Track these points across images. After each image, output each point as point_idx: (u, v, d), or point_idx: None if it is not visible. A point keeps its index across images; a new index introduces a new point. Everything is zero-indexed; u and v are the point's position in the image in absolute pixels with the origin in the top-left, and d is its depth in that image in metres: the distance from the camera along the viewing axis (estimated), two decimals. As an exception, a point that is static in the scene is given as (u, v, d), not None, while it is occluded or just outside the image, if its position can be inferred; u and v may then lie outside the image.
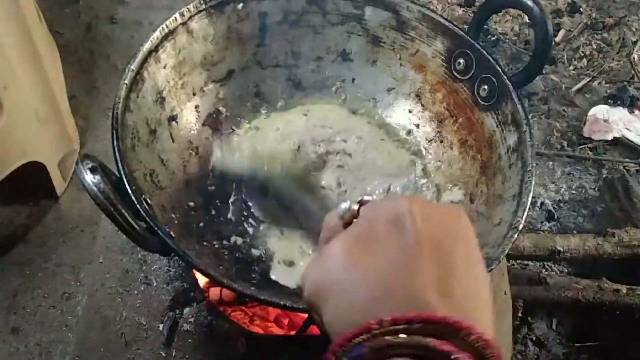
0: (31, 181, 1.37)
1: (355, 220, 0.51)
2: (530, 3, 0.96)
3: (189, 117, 1.04)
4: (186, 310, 1.00)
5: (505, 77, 0.98)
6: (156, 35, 0.95)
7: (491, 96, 1.00)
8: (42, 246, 1.35)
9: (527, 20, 1.86)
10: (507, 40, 1.75)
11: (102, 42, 1.75)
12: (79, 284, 1.28)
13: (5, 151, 1.24)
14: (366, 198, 0.52)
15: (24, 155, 1.29)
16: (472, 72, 1.03)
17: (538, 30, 0.96)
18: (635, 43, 1.83)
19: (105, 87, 1.62)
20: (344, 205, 0.53)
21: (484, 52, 1.01)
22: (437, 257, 0.43)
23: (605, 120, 1.59)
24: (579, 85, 1.70)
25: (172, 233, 0.80)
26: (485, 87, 1.01)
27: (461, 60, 1.04)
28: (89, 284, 1.11)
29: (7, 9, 1.18)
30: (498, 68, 0.99)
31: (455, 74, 1.06)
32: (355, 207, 0.51)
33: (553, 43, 1.66)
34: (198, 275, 1.04)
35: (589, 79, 1.72)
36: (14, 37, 1.21)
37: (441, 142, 1.09)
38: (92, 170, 0.75)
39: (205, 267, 0.79)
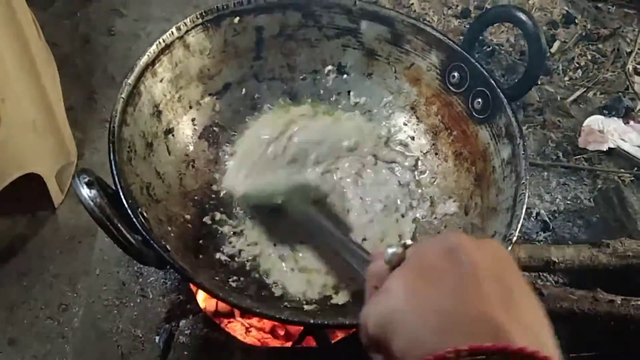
0: (29, 193, 1.37)
1: (404, 261, 0.52)
2: (524, 17, 0.96)
3: (186, 130, 1.05)
4: (182, 322, 1.00)
5: (499, 90, 0.99)
6: (153, 49, 0.96)
7: (485, 109, 1.01)
8: (39, 257, 1.35)
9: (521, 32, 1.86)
10: (503, 51, 1.76)
11: (99, 54, 1.76)
12: (75, 295, 1.28)
13: (3, 163, 1.24)
14: (409, 242, 0.54)
15: (22, 167, 1.29)
16: (467, 85, 1.04)
17: (532, 44, 0.97)
18: (629, 54, 1.83)
19: (102, 98, 1.63)
20: (391, 250, 0.53)
21: (478, 65, 1.02)
22: (496, 283, 0.45)
23: (600, 131, 1.59)
24: (574, 96, 1.71)
25: (167, 246, 0.81)
26: (480, 100, 1.02)
27: (455, 74, 1.05)
28: (85, 295, 1.12)
29: (5, 21, 1.19)
30: (492, 81, 1.00)
31: (450, 87, 1.07)
32: (401, 250, 0.53)
33: (547, 55, 1.67)
34: (194, 287, 1.04)
35: (584, 89, 1.73)
36: (11, 49, 1.22)
37: (436, 154, 1.10)
38: (89, 185, 0.75)
39: (201, 281, 0.80)
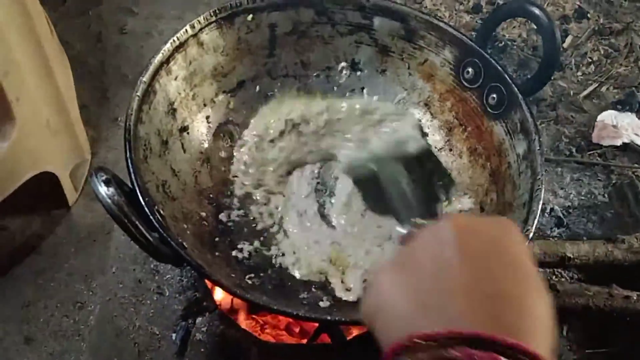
0: (43, 191, 1.38)
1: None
2: (537, 12, 0.96)
3: (200, 128, 1.05)
4: (198, 319, 1.01)
5: (514, 85, 0.98)
6: (167, 47, 0.96)
7: (500, 105, 1.01)
8: (54, 256, 1.35)
9: (536, 27, 1.85)
10: (515, 47, 1.76)
11: (112, 52, 1.76)
12: (91, 293, 1.28)
13: (18, 162, 1.25)
14: (421, 221, 0.56)
15: (36, 166, 1.30)
16: (481, 80, 1.04)
17: (546, 38, 0.96)
18: (643, 48, 1.83)
19: (115, 97, 1.63)
20: (403, 230, 0.57)
21: (493, 61, 1.02)
22: (475, 267, 0.44)
23: (614, 126, 1.59)
24: (587, 91, 1.70)
25: (184, 244, 0.81)
26: (494, 95, 1.02)
27: (470, 69, 1.05)
28: (101, 293, 1.13)
29: (19, 22, 1.19)
30: (506, 77, 1.00)
31: (464, 83, 1.06)
32: (414, 231, 0.55)
33: (561, 50, 1.67)
34: (210, 284, 1.05)
35: (597, 84, 1.72)
36: (25, 49, 1.22)
37: (450, 150, 1.10)
38: (106, 183, 0.76)
39: (218, 278, 0.80)
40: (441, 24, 1.06)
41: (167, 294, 1.04)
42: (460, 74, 1.07)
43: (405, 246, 0.51)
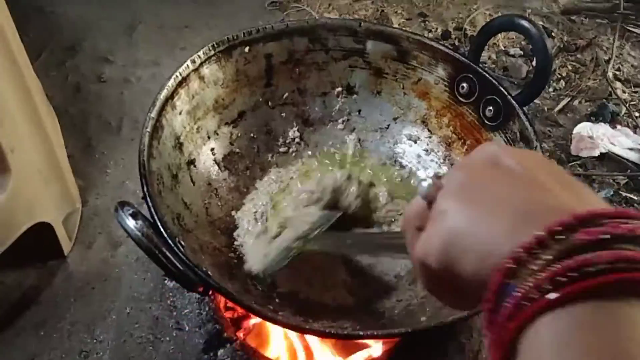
0: (36, 243, 1.36)
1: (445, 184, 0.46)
2: (527, 25, 1.00)
3: (206, 161, 1.06)
4: (220, 351, 1.00)
5: (509, 97, 1.01)
6: (171, 82, 0.97)
7: (497, 116, 1.03)
8: (54, 307, 1.33)
9: (503, 48, 1.92)
10: (487, 69, 1.80)
11: (92, 101, 1.76)
12: (95, 341, 1.26)
13: (16, 213, 1.23)
14: (441, 172, 0.52)
15: (33, 216, 1.28)
16: (476, 94, 1.06)
17: (537, 49, 0.99)
18: (608, 61, 1.90)
19: (100, 145, 1.62)
20: (425, 183, 0.52)
21: (487, 74, 1.05)
22: (550, 175, 0.41)
23: (590, 137, 1.63)
24: (560, 106, 1.75)
25: (209, 272, 0.81)
26: (491, 108, 1.04)
27: (464, 85, 1.07)
28: (112, 337, 1.11)
29: (9, 71, 1.19)
30: (502, 89, 1.02)
31: (460, 98, 1.09)
32: (436, 179, 0.47)
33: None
34: (229, 314, 1.04)
35: (569, 99, 1.78)
36: (17, 99, 1.22)
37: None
38: (133, 216, 0.76)
39: (249, 303, 0.80)
40: (432, 43, 1.09)
41: (186, 329, 1.03)
42: (455, 89, 1.09)
43: (454, 175, 0.46)
